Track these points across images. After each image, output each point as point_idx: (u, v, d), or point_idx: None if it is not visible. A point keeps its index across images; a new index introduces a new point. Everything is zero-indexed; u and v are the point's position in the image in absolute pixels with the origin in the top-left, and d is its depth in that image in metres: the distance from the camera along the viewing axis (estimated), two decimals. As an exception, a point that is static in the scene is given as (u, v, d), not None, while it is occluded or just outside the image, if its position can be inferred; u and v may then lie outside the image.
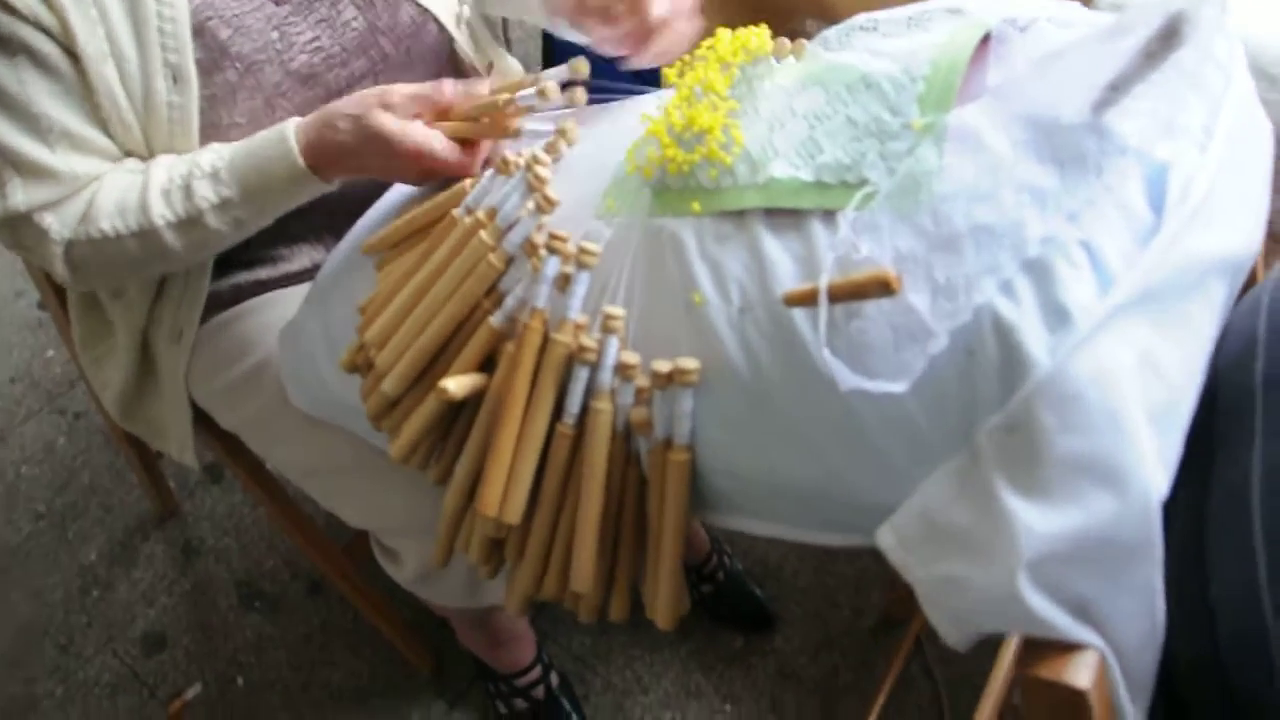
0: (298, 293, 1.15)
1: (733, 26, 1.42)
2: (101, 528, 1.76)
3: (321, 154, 0.92)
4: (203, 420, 1.23)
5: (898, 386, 0.60)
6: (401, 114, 0.88)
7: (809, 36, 1.25)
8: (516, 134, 0.87)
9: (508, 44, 1.30)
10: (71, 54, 0.94)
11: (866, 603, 1.61)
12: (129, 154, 1.01)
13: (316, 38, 1.04)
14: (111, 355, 1.22)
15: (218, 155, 0.96)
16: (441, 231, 0.82)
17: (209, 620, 1.64)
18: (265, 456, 1.18)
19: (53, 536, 1.76)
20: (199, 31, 0.98)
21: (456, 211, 0.82)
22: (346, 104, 0.91)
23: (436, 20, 1.11)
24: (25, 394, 2.00)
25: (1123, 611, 0.61)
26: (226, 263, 1.14)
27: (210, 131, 1.01)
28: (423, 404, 0.79)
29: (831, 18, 1.44)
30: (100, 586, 1.69)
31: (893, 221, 0.64)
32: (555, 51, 1.69)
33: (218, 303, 1.15)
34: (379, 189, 1.06)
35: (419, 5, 1.09)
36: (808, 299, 0.64)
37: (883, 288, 0.60)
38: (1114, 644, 0.61)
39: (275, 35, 1.02)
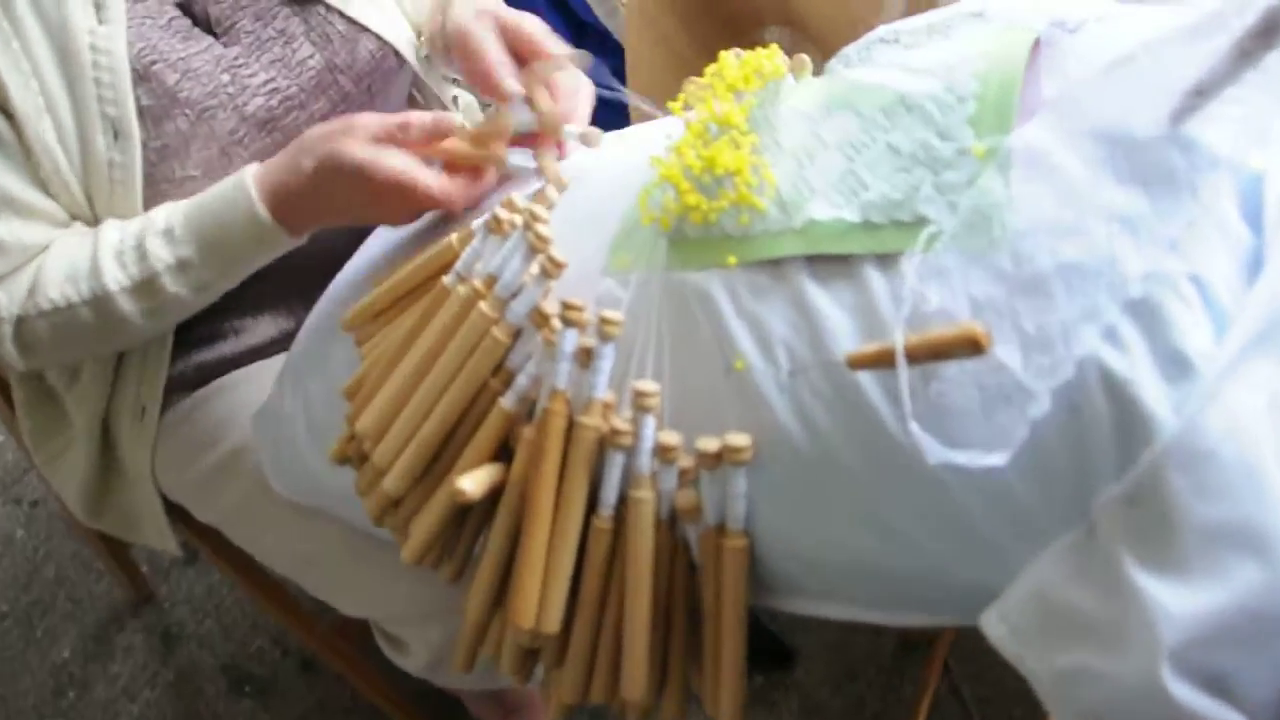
0: (267, 368, 1.06)
1: (696, 37, 1.35)
2: (72, 622, 1.65)
3: (286, 200, 0.84)
4: (174, 510, 1.13)
5: (997, 459, 0.52)
6: (367, 142, 0.79)
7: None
8: (502, 163, 0.79)
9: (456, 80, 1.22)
10: (5, 112, 0.85)
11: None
12: (75, 219, 0.91)
13: (271, 79, 0.95)
14: (69, 450, 1.12)
15: (172, 210, 0.88)
16: (433, 303, 0.73)
17: (197, 710, 1.54)
18: (249, 549, 1.09)
19: (19, 636, 1.65)
20: (144, 77, 0.89)
21: (447, 280, 0.73)
22: (307, 140, 0.82)
23: (397, 53, 1.02)
24: (-25, 484, 1.89)
25: (1259, 679, 0.53)
26: (184, 340, 1.04)
27: (163, 186, 0.91)
28: (433, 502, 0.70)
29: (799, 26, 1.37)
30: (76, 686, 1.58)
31: (963, 264, 0.56)
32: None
33: (180, 386, 1.05)
34: (348, 246, 0.97)
35: (378, 39, 1.01)
36: (877, 360, 0.56)
37: (971, 346, 0.52)
38: (1250, 714, 0.54)
39: (226, 78, 0.93)
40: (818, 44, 1.39)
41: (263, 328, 1.06)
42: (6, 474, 1.89)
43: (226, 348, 1.05)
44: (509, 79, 0.81)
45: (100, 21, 0.86)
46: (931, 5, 1.19)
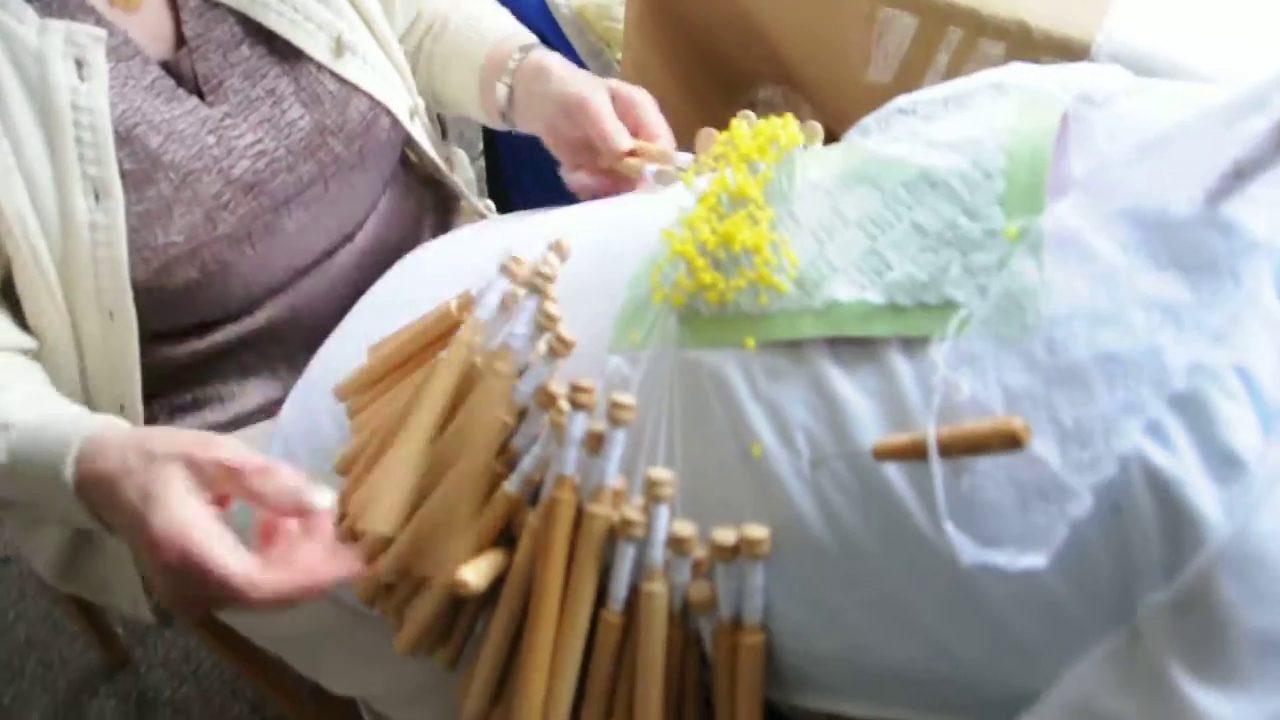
0: (251, 437, 1.02)
1: (692, 95, 1.33)
2: (43, 687, 1.60)
3: (100, 501, 0.69)
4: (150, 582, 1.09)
5: (1036, 560, 0.50)
6: (203, 487, 0.65)
7: (769, 105, 1.15)
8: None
9: (444, 132, 1.19)
10: None
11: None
12: (36, 313, 0.86)
13: (259, 140, 0.92)
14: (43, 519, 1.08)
15: (19, 413, 0.76)
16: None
17: (172, 781, 1.49)
18: (233, 623, 1.05)
19: (-13, 702, 1.60)
20: (126, 140, 0.85)
21: (443, 355, 0.70)
22: (144, 453, 0.66)
23: (390, 114, 1.00)
24: (-55, 539, 1.83)
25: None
26: (166, 407, 1.00)
27: (146, 254, 0.87)
28: (430, 591, 0.67)
29: (792, 83, 1.36)
30: (46, 756, 1.53)
31: (994, 351, 0.54)
32: (498, 141, 1.59)
33: (162, 453, 1.02)
34: (337, 313, 0.95)
35: (371, 98, 0.98)
36: (906, 453, 0.53)
37: (1009, 442, 0.49)
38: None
39: (212, 140, 0.90)
40: (811, 100, 1.38)
41: (249, 395, 1.03)
42: (-23, 531, 1.83)
43: (211, 415, 1.02)
44: (624, 139, 0.89)
45: (81, 79, 0.82)
46: (926, 61, 1.18)
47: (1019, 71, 0.68)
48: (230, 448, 0.66)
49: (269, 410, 1.03)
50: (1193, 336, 0.51)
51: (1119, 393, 0.51)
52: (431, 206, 1.13)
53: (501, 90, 1.03)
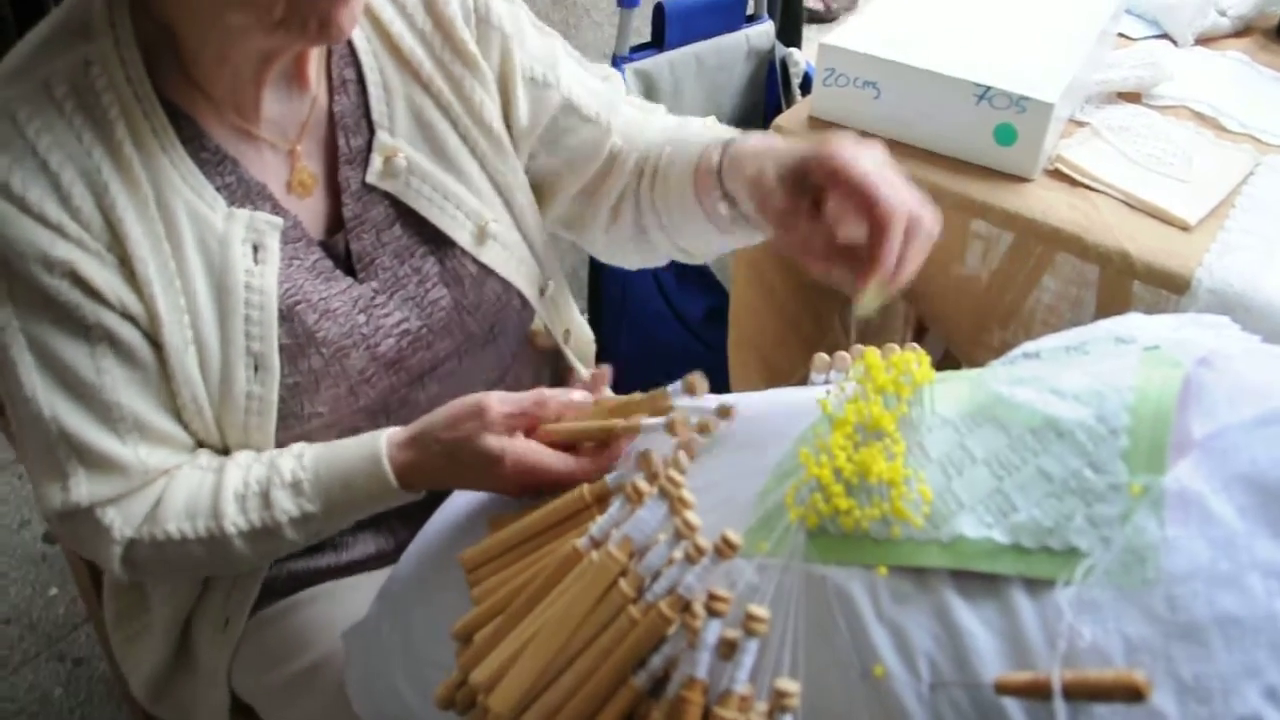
0: (360, 584, 1.07)
1: (799, 291, 1.39)
2: (99, 798, 1.63)
3: (415, 473, 0.90)
4: (239, 708, 1.13)
5: (1153, 810, 0.53)
6: (500, 430, 0.85)
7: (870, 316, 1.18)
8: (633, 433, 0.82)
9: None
10: (155, 343, 0.89)
11: None
12: (201, 444, 0.95)
13: (404, 319, 1.00)
14: (145, 635, 1.13)
15: (299, 463, 0.91)
16: (564, 564, 0.74)
17: None
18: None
19: (44, 809, 1.62)
20: (287, 316, 0.93)
21: (580, 543, 0.75)
22: (440, 423, 0.88)
23: (521, 295, 1.07)
24: (23, 636, 1.87)
25: None
26: (281, 550, 1.06)
27: (290, 421, 0.95)
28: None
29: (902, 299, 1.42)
30: None
31: (1115, 601, 0.58)
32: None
33: (271, 591, 1.07)
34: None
35: (504, 281, 1.05)
36: (1027, 690, 0.57)
37: (1130, 694, 0.53)
38: None
39: (362, 319, 0.97)
40: (910, 297, 1.43)
41: (361, 545, 1.08)
42: (56, 629, 1.88)
43: (323, 560, 1.07)
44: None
45: (257, 262, 0.91)
46: (1019, 269, 1.24)
47: (1137, 324, 0.73)
48: (498, 402, 0.85)
49: (378, 560, 1.08)
50: (1308, 607, 0.54)
51: (1238, 655, 0.54)
52: (547, 377, 1.19)
53: (713, 162, 0.96)
